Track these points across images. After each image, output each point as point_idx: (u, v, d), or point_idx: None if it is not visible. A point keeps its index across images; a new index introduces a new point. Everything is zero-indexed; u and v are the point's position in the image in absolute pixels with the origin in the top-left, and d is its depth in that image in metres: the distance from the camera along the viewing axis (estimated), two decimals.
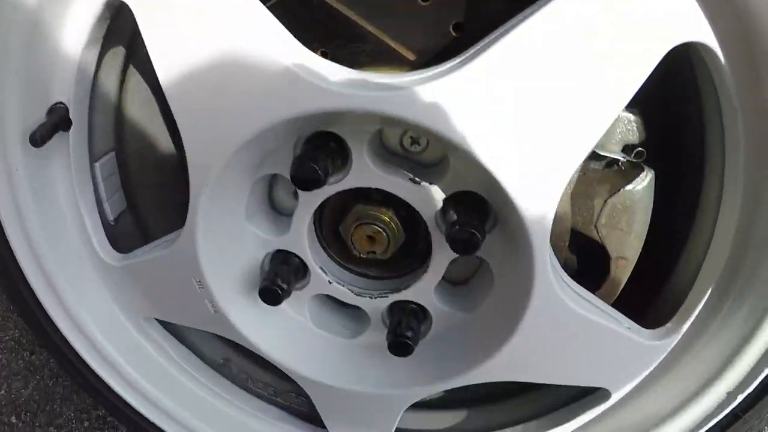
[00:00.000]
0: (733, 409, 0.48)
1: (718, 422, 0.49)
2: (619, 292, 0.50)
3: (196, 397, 0.60)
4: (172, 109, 0.42)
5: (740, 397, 0.48)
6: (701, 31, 0.35)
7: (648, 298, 0.50)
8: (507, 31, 0.36)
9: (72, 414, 0.79)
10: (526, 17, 0.35)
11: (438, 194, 0.43)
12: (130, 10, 0.39)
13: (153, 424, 0.59)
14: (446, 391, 0.54)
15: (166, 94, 0.41)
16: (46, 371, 0.84)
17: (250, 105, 0.39)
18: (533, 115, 0.37)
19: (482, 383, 0.50)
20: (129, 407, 0.59)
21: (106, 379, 0.57)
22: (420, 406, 0.57)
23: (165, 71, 0.40)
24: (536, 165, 0.38)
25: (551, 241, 0.42)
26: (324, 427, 0.57)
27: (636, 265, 0.49)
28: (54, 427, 0.79)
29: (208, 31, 0.38)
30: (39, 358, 0.86)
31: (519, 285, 0.43)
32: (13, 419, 0.79)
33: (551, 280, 0.42)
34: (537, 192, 0.39)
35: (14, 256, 0.52)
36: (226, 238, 0.48)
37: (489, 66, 0.36)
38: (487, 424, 0.57)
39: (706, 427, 0.49)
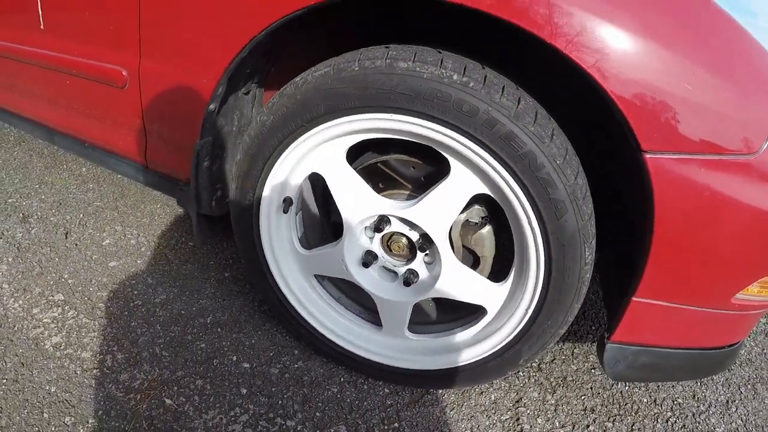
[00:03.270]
0: (531, 316, 1.39)
1: (526, 322, 1.39)
2: (488, 271, 1.44)
3: (323, 309, 1.61)
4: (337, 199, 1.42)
5: (533, 309, 1.38)
6: None
7: (498, 274, 1.43)
8: None
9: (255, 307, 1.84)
10: None
11: None
12: None
13: (307, 322, 1.61)
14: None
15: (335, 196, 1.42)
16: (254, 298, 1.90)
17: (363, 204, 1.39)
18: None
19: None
20: (296, 312, 1.60)
21: (291, 302, 1.60)
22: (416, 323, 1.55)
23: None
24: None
25: (455, 251, 1.38)
26: (374, 323, 1.57)
27: (493, 262, 1.44)
28: (242, 334, 1.82)
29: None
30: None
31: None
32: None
33: (455, 261, 1.37)
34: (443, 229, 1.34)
35: (261, 246, 1.53)
36: (355, 245, 1.47)
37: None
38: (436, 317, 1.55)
39: (522, 323, 1.39)
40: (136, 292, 1.91)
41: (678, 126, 1.05)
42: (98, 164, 1.97)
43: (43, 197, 2.40)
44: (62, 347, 1.69)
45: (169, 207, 2.43)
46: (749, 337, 2.20)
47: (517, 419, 1.60)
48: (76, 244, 2.12)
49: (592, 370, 1.82)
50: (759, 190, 1.07)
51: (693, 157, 1.07)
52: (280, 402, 1.58)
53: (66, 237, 2.16)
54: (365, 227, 1.43)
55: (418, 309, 1.57)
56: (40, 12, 1.74)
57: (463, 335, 1.48)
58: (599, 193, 1.35)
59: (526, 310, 1.32)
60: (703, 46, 1.03)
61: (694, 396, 1.79)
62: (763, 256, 1.15)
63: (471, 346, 1.46)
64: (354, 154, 1.42)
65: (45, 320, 1.78)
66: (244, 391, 1.61)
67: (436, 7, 1.19)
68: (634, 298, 1.24)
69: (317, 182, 1.53)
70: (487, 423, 1.58)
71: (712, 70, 1.02)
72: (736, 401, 1.80)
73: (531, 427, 1.59)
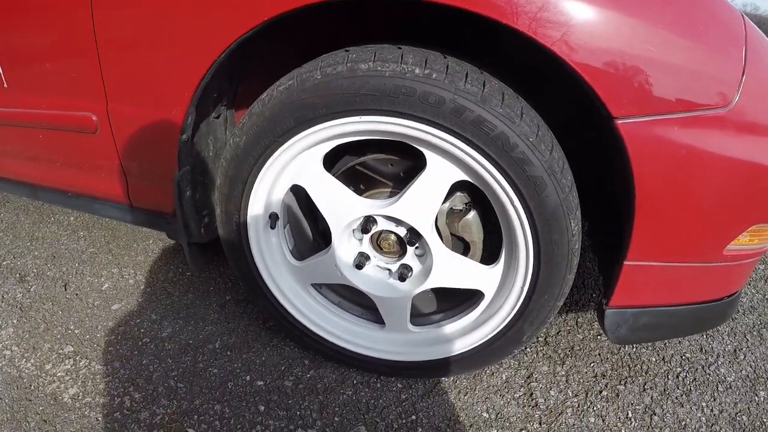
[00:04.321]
0: (527, 293, 1.38)
1: (523, 300, 1.39)
2: (480, 256, 1.43)
3: (326, 316, 1.60)
4: (320, 207, 1.41)
5: (528, 286, 1.38)
6: None
7: (490, 256, 1.42)
8: None
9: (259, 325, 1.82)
10: None
11: None
12: None
13: (311, 331, 1.60)
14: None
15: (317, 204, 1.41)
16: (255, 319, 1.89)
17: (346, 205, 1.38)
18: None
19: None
20: (299, 324, 1.60)
21: (294, 314, 1.59)
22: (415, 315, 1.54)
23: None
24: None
25: (444, 240, 1.37)
26: (377, 321, 1.56)
27: (483, 246, 1.43)
28: (252, 353, 1.81)
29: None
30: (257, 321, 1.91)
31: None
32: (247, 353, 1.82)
33: (445, 250, 1.36)
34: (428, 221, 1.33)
35: (255, 265, 1.52)
36: (345, 249, 1.46)
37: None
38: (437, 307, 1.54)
39: (520, 301, 1.39)
40: (142, 330, 1.89)
41: (646, 88, 1.04)
42: (85, 211, 1.95)
43: (36, 253, 2.37)
44: (80, 397, 1.67)
45: (162, 241, 2.41)
46: (749, 284, 2.20)
47: (531, 394, 1.60)
48: (77, 294, 2.09)
49: (598, 337, 1.82)
50: (736, 142, 1.07)
51: (665, 117, 1.06)
52: (298, 413, 1.57)
53: (65, 289, 2.13)
54: (353, 230, 1.42)
55: (418, 302, 1.56)
56: (1, 71, 1.72)
57: (464, 321, 1.47)
58: (586, 163, 1.34)
59: (522, 288, 1.31)
60: (665, 5, 1.03)
61: (702, 349, 1.79)
62: (748, 206, 1.16)
63: (474, 330, 1.45)
64: (331, 160, 1.41)
65: (59, 374, 1.75)
66: (262, 408, 1.59)
67: (397, 4, 1.18)
68: (626, 262, 1.25)
69: (300, 193, 1.51)
70: (502, 402, 1.57)
71: (676, 29, 1.01)
72: (744, 349, 1.80)
73: (545, 399, 1.58)
